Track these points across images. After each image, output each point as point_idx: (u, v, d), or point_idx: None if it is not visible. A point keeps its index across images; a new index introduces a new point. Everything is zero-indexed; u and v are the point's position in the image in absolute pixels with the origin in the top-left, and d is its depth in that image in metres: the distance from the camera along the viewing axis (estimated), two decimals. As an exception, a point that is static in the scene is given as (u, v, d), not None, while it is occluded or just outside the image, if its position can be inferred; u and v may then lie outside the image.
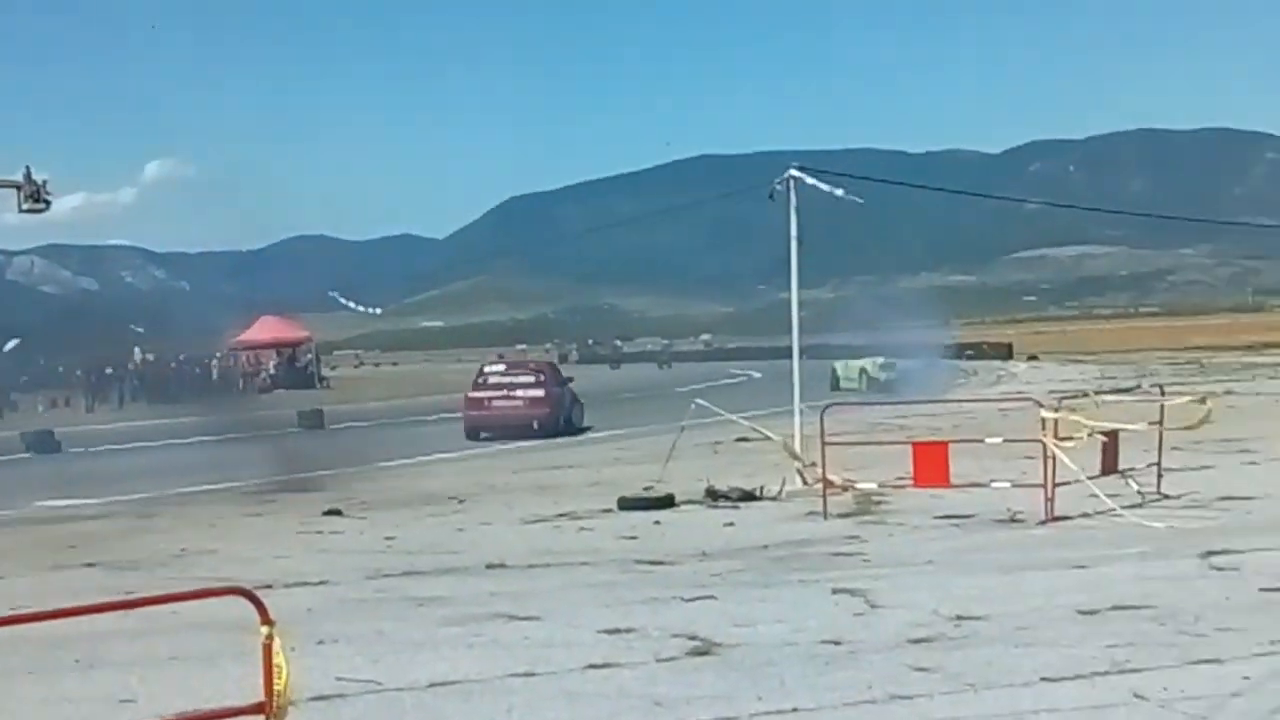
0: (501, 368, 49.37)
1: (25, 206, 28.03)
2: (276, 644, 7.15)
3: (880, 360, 72.40)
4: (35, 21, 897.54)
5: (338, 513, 23.57)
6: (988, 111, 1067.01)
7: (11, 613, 8.79)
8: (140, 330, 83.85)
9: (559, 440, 39.67)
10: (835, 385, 70.24)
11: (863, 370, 72.87)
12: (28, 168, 28.38)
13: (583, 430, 45.46)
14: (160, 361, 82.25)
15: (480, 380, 45.98)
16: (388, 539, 20.31)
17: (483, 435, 43.15)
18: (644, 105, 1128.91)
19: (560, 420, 44.94)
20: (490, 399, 44.68)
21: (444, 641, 12.46)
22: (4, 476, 35.11)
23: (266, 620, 7.14)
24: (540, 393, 44.74)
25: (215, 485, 29.99)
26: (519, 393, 44.68)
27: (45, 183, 28.21)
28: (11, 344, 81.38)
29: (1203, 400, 21.86)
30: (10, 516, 26.15)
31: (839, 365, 72.51)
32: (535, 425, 43.48)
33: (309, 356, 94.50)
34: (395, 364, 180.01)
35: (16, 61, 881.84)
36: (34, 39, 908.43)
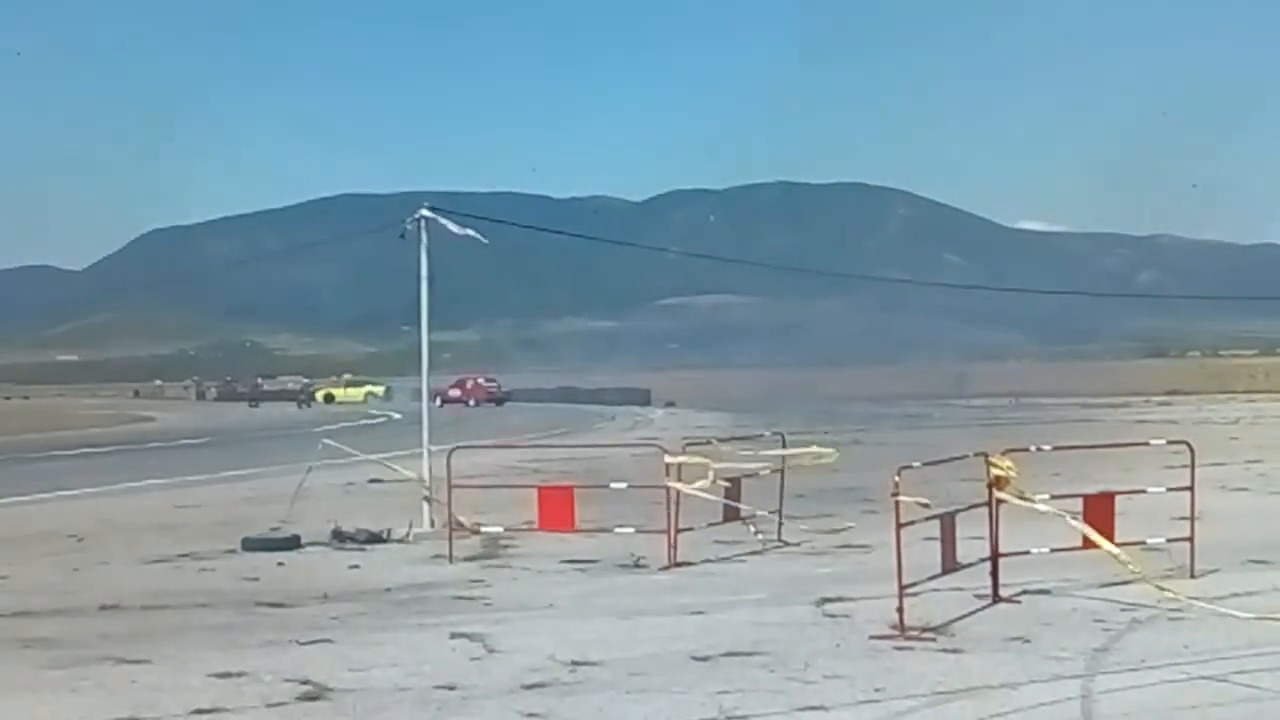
0: (480, 377, 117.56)
1: None
2: None
3: (384, 387, 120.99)
4: None
5: (-51, 550, 22.73)
6: (631, 160, 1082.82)
7: None
8: None
9: (189, 479, 38.77)
10: (330, 398, 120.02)
11: (369, 392, 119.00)
12: None
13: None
14: None
15: (467, 381, 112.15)
16: (0, 577, 19.61)
17: (472, 404, 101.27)
18: (288, 141, 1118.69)
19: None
20: (481, 388, 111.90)
21: (47, 685, 12.16)
22: None
23: None
24: (499, 386, 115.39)
25: None
26: (492, 386, 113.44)
27: None
28: None
29: (821, 448, 22.43)
30: None
31: (339, 390, 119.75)
32: (500, 402, 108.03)
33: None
34: (26, 397, 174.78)
35: None
36: None
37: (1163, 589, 14.94)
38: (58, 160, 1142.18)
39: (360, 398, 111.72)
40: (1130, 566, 15.27)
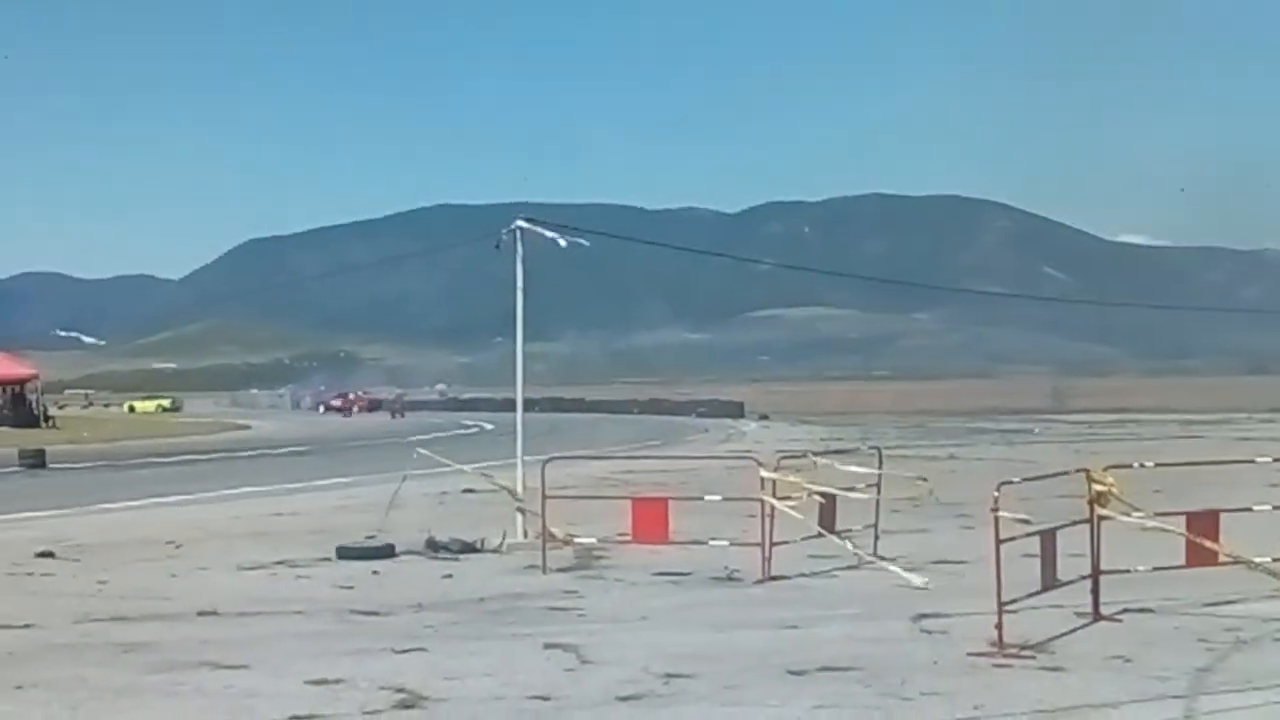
0: (360, 390, 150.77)
1: None
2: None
3: (169, 400, 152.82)
4: None
5: (50, 554, 22.90)
6: (725, 171, 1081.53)
7: None
8: None
9: (284, 486, 39.04)
10: (132, 409, 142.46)
11: (161, 405, 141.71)
12: None
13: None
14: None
15: (349, 394, 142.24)
16: (100, 583, 19.75)
17: (356, 411, 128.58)
18: (383, 152, 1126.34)
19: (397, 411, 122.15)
20: (362, 398, 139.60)
21: (146, 689, 12.19)
22: None
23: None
24: (389, 396, 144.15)
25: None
26: (371, 396, 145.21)
27: None
28: None
29: (923, 479, 22.25)
30: None
31: (139, 403, 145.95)
32: (373, 409, 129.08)
33: (35, 395, 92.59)
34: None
35: None
36: None
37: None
38: (154, 169, 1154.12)
39: (152, 409, 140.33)
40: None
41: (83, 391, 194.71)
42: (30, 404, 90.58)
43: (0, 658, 13.53)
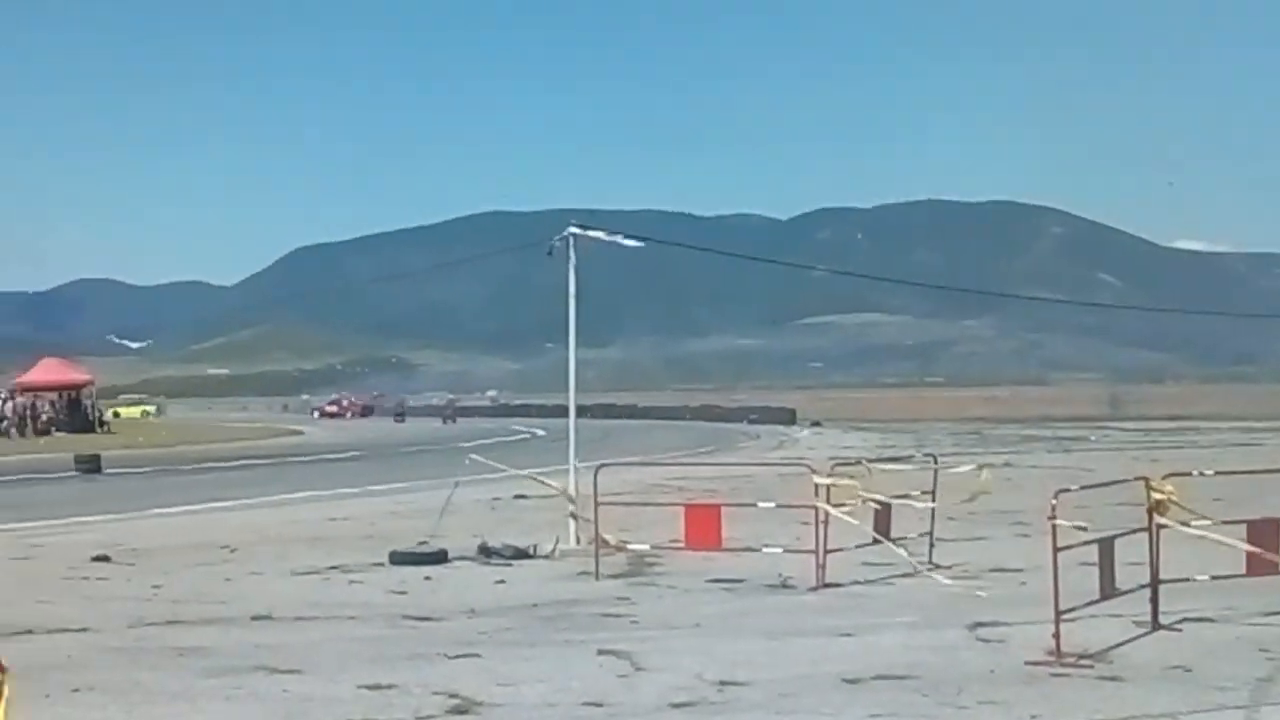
0: (351, 397, 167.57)
1: None
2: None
3: (155, 404, 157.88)
4: None
5: (106, 559, 23.01)
6: (777, 177, 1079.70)
7: None
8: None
9: (337, 492, 39.14)
10: (116, 415, 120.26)
11: (145, 410, 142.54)
12: None
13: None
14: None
15: (342, 400, 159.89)
16: (154, 587, 19.86)
17: (349, 416, 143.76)
18: (434, 158, 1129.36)
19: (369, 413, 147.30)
20: (354, 404, 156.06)
21: (201, 693, 12.20)
22: None
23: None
24: (368, 403, 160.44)
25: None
26: (363, 401, 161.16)
27: None
28: None
29: (980, 470, 22.08)
30: None
31: (123, 409, 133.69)
32: (366, 413, 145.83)
33: (90, 400, 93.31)
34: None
35: None
36: None
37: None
38: (207, 176, 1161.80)
39: (137, 414, 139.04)
40: None
41: (136, 397, 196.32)
42: (86, 409, 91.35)
43: (57, 661, 13.55)
